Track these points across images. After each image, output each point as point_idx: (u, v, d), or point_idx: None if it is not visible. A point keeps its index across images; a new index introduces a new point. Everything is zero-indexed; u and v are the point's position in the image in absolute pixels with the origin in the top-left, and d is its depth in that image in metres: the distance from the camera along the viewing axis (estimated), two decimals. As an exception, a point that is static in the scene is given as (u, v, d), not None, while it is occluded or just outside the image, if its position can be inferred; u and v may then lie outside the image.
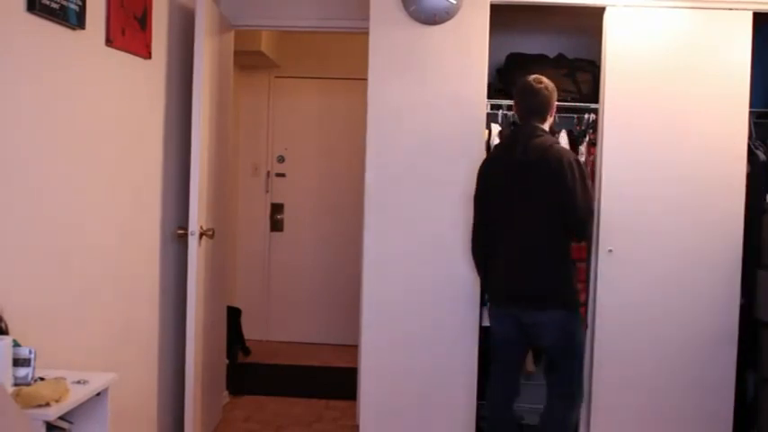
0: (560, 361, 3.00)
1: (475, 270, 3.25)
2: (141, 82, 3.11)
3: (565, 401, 3.01)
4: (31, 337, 2.15)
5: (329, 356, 5.39)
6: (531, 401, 3.50)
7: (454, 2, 3.31)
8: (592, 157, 3.48)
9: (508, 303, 3.03)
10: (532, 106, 3.03)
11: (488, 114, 3.48)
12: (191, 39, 3.39)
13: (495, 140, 3.49)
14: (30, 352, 2.01)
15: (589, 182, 2.98)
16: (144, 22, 3.04)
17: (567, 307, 2.94)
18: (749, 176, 3.34)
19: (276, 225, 5.90)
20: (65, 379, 2.05)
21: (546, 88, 3.02)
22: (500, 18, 3.38)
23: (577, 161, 2.96)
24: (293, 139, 5.86)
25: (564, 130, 3.54)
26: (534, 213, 2.93)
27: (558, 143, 3.07)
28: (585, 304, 3.37)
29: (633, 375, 3.35)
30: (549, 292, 2.93)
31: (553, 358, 3.02)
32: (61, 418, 1.99)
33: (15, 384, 1.96)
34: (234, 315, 5.15)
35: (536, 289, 2.94)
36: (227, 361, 4.35)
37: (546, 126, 3.04)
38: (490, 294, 3.17)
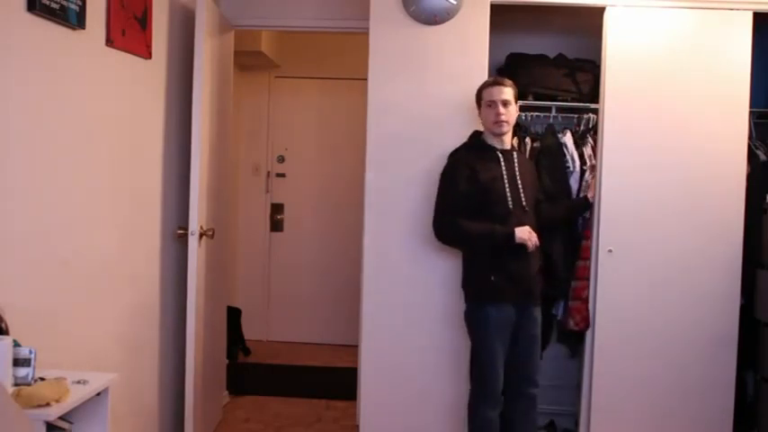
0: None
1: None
2: (141, 82, 3.11)
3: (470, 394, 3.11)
4: (31, 337, 2.15)
5: (329, 356, 5.39)
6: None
7: (454, 2, 3.32)
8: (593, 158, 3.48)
9: None
10: None
11: (488, 114, 3.47)
12: (191, 39, 3.39)
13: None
14: (30, 352, 2.01)
15: (442, 192, 3.05)
16: (144, 22, 3.04)
17: (467, 300, 3.10)
18: (749, 176, 3.34)
19: (276, 225, 5.90)
20: (65, 379, 2.05)
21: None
22: (500, 18, 3.38)
23: (446, 167, 3.07)
24: (293, 139, 5.86)
25: (568, 130, 3.52)
26: None
27: (458, 149, 3.13)
28: (587, 303, 3.37)
29: (633, 375, 3.35)
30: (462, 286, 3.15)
31: None
32: (61, 418, 1.99)
33: (15, 384, 1.97)
34: (234, 315, 5.15)
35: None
36: (227, 361, 4.35)
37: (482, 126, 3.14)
38: None
